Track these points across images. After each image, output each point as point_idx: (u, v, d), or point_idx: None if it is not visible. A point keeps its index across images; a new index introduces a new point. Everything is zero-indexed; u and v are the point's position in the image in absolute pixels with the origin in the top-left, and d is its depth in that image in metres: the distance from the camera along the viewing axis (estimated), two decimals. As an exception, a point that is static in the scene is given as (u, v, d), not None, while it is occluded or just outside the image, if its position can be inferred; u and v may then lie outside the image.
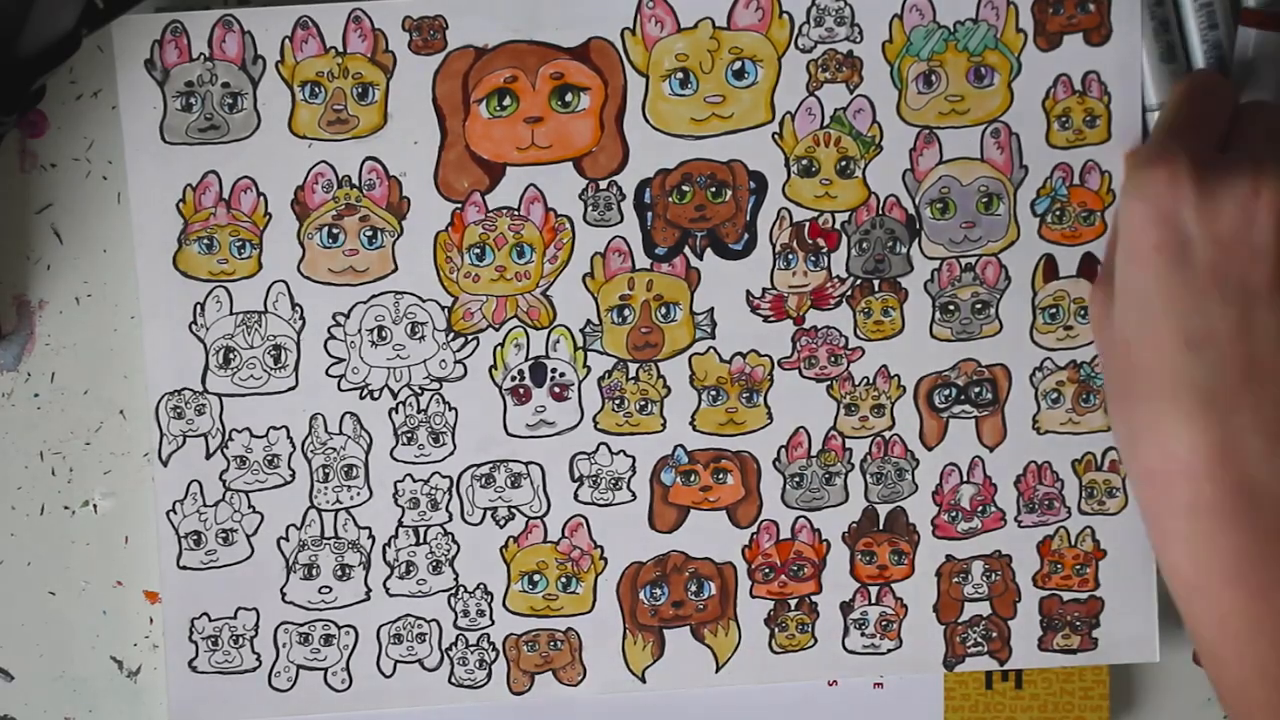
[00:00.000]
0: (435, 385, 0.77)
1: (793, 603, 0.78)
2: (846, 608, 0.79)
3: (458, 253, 0.76)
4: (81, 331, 0.78)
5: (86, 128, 0.77)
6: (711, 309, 0.77)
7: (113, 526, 0.78)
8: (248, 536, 0.77)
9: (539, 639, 0.78)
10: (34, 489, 0.78)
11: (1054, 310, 0.77)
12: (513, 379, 0.77)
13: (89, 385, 0.78)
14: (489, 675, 0.78)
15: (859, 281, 0.77)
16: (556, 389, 0.77)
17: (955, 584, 0.78)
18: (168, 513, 0.76)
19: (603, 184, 0.76)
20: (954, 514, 0.78)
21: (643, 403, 0.77)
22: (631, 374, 0.77)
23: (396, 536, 0.77)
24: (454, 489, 0.77)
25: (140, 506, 0.78)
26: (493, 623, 0.78)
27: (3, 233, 0.77)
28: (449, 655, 0.78)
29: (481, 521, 0.77)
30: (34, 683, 0.79)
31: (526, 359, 0.77)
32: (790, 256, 0.77)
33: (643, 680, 0.78)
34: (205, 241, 0.76)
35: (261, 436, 0.76)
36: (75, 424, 0.78)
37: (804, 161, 0.76)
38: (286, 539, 0.77)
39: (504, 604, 0.78)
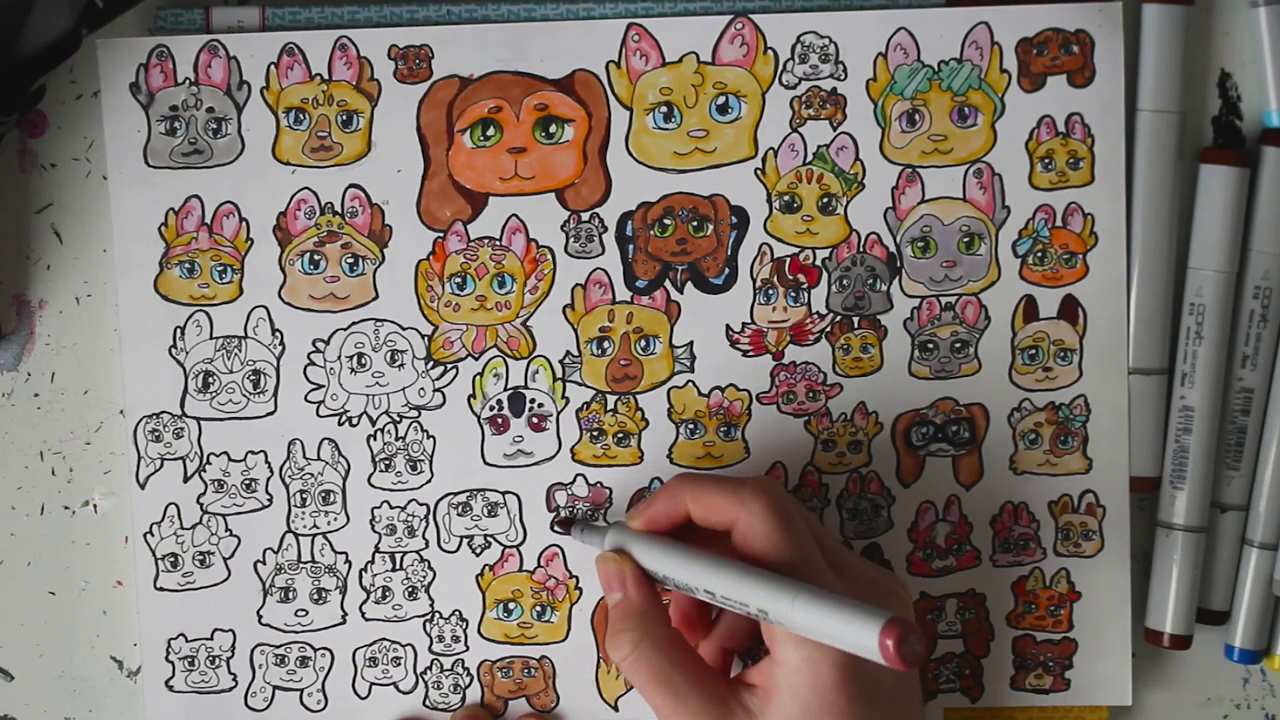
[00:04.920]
0: (414, 413, 0.77)
1: (766, 636, 0.78)
2: (820, 642, 0.79)
3: (439, 281, 0.76)
4: (81, 331, 0.78)
5: (86, 128, 0.77)
6: (691, 343, 0.77)
7: (113, 526, 0.79)
8: (225, 559, 0.77)
9: (513, 665, 0.78)
10: (34, 489, 0.78)
11: (1033, 351, 0.77)
12: (491, 409, 0.77)
13: (89, 385, 0.78)
14: (463, 699, 0.78)
15: (838, 318, 0.77)
16: (535, 419, 0.77)
17: (929, 621, 0.78)
18: (145, 535, 0.77)
19: (585, 216, 0.76)
20: (929, 551, 0.78)
21: (620, 435, 0.77)
22: (610, 406, 0.77)
23: (373, 562, 0.77)
24: (431, 516, 0.77)
25: (138, 508, 0.79)
26: (468, 648, 0.78)
27: (3, 233, 0.78)
28: (424, 679, 0.78)
29: (458, 549, 0.77)
30: (34, 683, 0.79)
31: (505, 389, 0.77)
32: (770, 292, 0.77)
33: (615, 709, 0.78)
34: (186, 265, 0.76)
35: (239, 461, 0.77)
36: (75, 424, 0.78)
37: (786, 197, 0.76)
38: (263, 562, 0.77)
39: (479, 631, 0.78)
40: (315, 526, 0.77)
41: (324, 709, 0.78)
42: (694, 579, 0.69)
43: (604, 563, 0.72)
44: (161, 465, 0.77)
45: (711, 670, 0.71)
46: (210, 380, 0.76)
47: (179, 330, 0.76)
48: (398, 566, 0.77)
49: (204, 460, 0.77)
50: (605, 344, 0.77)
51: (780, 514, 0.69)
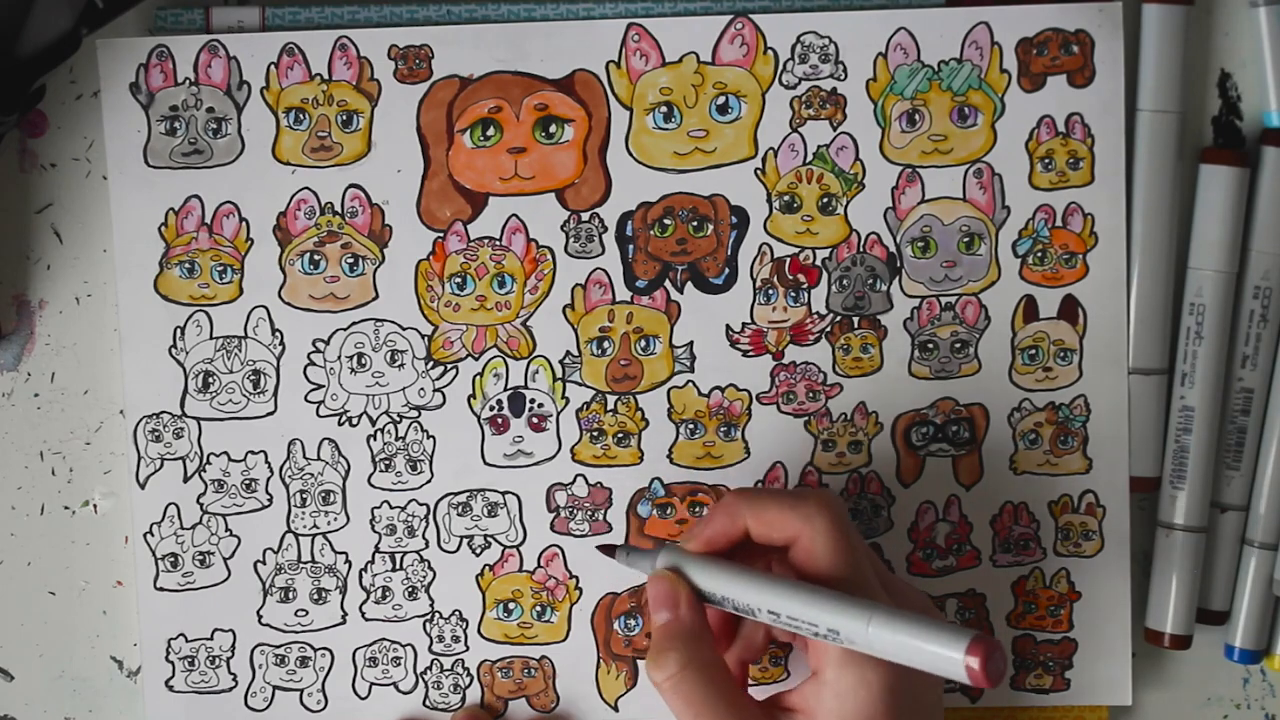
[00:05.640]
0: (414, 413, 0.77)
1: (767, 636, 0.78)
2: (821, 642, 0.79)
3: (439, 281, 0.76)
4: (81, 331, 0.78)
5: (86, 128, 0.77)
6: (691, 343, 0.77)
7: (113, 526, 0.79)
8: (225, 559, 0.77)
9: (513, 665, 0.78)
10: (34, 489, 0.79)
11: (1033, 351, 0.77)
12: (491, 409, 0.77)
13: (89, 385, 0.78)
14: (463, 699, 0.78)
15: (839, 318, 0.77)
16: (535, 419, 0.77)
17: (929, 621, 0.78)
18: (145, 535, 0.77)
19: (585, 216, 0.76)
20: (929, 551, 0.78)
21: (620, 435, 0.77)
22: (610, 406, 0.77)
23: (373, 562, 0.77)
24: (431, 516, 0.77)
25: (138, 508, 0.79)
26: (468, 648, 0.78)
27: (3, 233, 0.78)
28: (424, 679, 0.78)
29: (458, 549, 0.77)
30: (34, 683, 0.79)
31: (505, 389, 0.77)
32: (770, 292, 0.77)
33: (615, 709, 0.78)
34: (186, 265, 0.76)
35: (239, 461, 0.77)
36: (75, 424, 0.78)
37: (786, 197, 0.77)
38: (263, 562, 0.77)
39: (479, 631, 0.78)
40: (315, 526, 0.77)
41: (324, 709, 0.78)
42: (758, 600, 0.68)
43: (657, 582, 0.71)
44: (161, 465, 0.77)
45: (750, 696, 0.70)
46: (210, 380, 0.77)
47: (179, 330, 0.76)
48: (398, 566, 0.77)
49: (204, 460, 0.77)
50: (605, 344, 0.77)
51: (842, 531, 0.68)
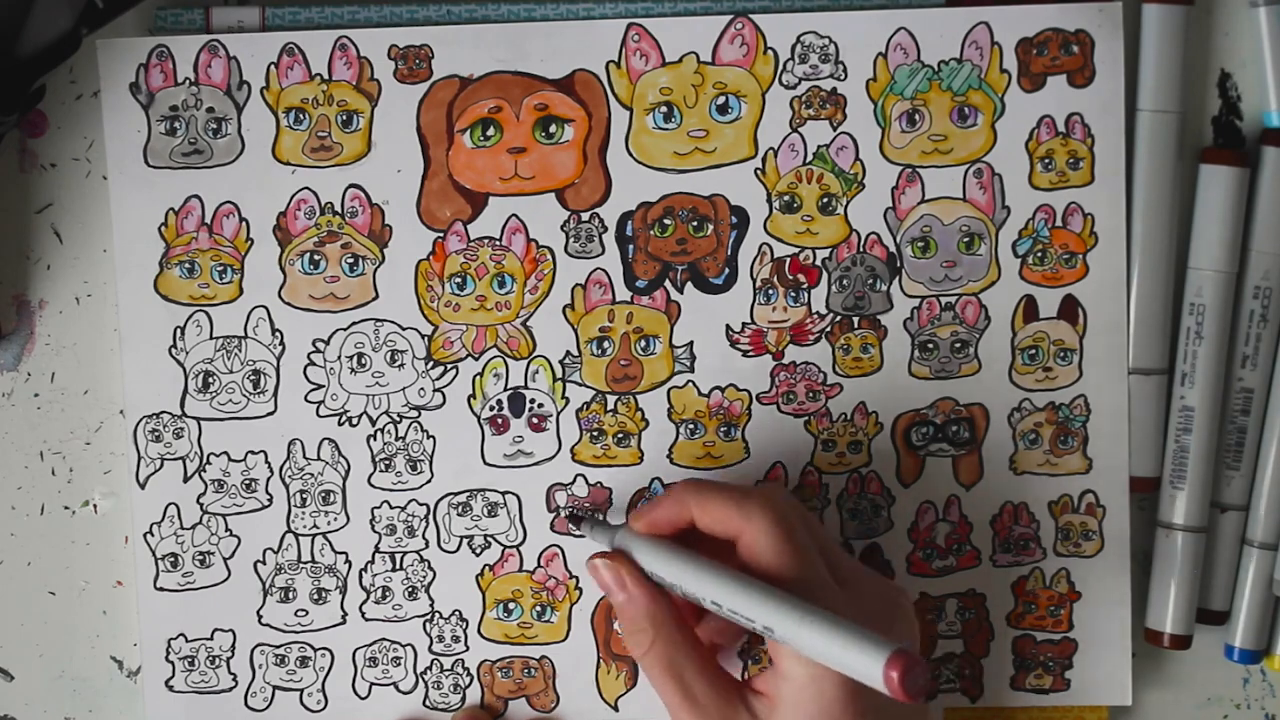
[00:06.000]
0: (414, 413, 0.77)
1: (766, 636, 0.78)
2: (820, 642, 0.79)
3: (439, 281, 0.76)
4: (81, 331, 0.78)
5: (86, 128, 0.77)
6: (691, 343, 0.77)
7: (113, 526, 0.79)
8: (225, 559, 0.77)
9: (513, 665, 0.78)
10: (34, 489, 0.78)
11: (1033, 351, 0.77)
12: (491, 409, 0.77)
13: (89, 385, 0.78)
14: (463, 699, 0.78)
15: (839, 318, 0.77)
16: (535, 419, 0.77)
17: (929, 621, 0.78)
18: (145, 535, 0.77)
19: (585, 216, 0.76)
20: (929, 551, 0.78)
21: (620, 435, 0.77)
22: (610, 406, 0.77)
23: (373, 562, 0.77)
24: (431, 516, 0.77)
25: (138, 508, 0.79)
26: (468, 648, 0.78)
27: (3, 233, 0.78)
28: (424, 679, 0.78)
29: (458, 549, 0.77)
30: (34, 683, 0.79)
31: (505, 389, 0.77)
32: (770, 292, 0.77)
33: (615, 709, 0.78)
34: (186, 265, 0.76)
35: (239, 461, 0.77)
36: (75, 424, 0.78)
37: (786, 197, 0.77)
38: (263, 562, 0.77)
39: (479, 631, 0.78)
40: (315, 526, 0.77)
41: (324, 709, 0.78)
42: (701, 589, 0.68)
43: (596, 569, 0.72)
44: (161, 465, 0.77)
45: (723, 671, 0.71)
46: (210, 380, 0.76)
47: (179, 330, 0.76)
48: (398, 566, 0.77)
49: (204, 460, 0.77)
50: (605, 344, 0.77)
51: (785, 529, 0.68)
